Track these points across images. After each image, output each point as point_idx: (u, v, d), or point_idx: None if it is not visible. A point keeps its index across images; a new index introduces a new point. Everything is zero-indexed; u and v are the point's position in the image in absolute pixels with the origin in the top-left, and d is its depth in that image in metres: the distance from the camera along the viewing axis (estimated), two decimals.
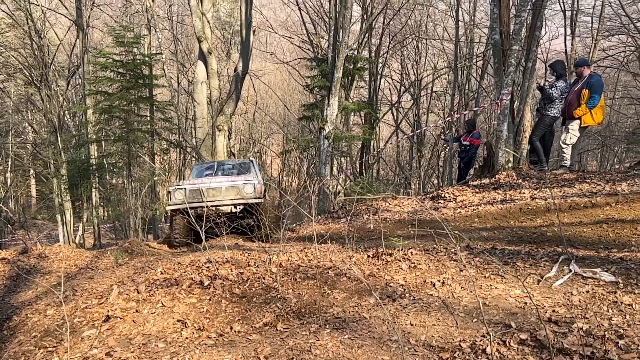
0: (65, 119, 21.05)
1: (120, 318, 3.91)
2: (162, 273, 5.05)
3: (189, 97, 23.46)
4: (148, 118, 18.13)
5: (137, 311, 4.01)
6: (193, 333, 3.54)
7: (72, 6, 19.50)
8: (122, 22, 20.35)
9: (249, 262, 4.97)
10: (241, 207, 8.20)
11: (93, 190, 18.74)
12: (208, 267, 4.95)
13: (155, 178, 18.68)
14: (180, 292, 4.22)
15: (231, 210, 8.18)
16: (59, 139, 18.03)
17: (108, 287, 5.12)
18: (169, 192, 8.12)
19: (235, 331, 3.47)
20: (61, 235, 18.99)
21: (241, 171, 9.66)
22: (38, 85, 18.27)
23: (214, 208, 7.86)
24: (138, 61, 16.74)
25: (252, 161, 10.21)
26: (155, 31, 19.58)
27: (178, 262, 5.55)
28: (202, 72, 15.26)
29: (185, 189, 8.01)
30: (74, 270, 6.83)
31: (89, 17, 19.22)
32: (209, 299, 4.02)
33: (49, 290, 5.37)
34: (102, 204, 21.16)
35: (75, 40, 20.41)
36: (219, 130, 14.94)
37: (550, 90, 7.98)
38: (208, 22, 15.11)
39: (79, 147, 19.94)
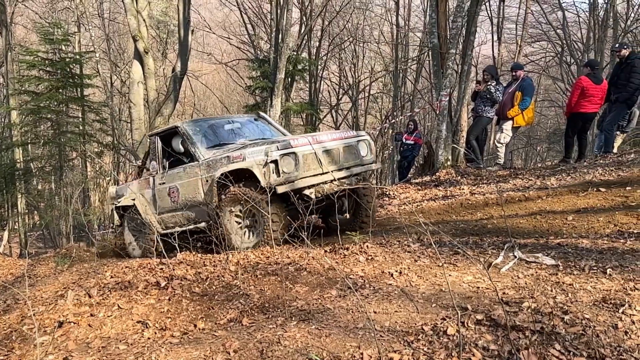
0: None
1: (75, 323, 3.78)
2: (112, 277, 4.91)
3: (122, 97, 22.59)
4: (80, 119, 17.31)
5: (91, 315, 3.88)
6: (155, 333, 3.49)
7: None
8: (49, 19, 19.29)
9: (204, 262, 4.94)
10: (360, 178, 5.74)
11: (19, 196, 17.62)
12: (162, 268, 4.87)
13: (89, 182, 17.84)
14: (136, 294, 4.13)
15: (352, 183, 5.60)
16: None
17: (53, 294, 4.90)
18: (272, 161, 5.01)
19: (199, 329, 3.46)
20: None
21: (261, 133, 6.60)
22: None
23: (336, 183, 5.41)
24: (68, 59, 15.95)
25: (263, 117, 7.13)
26: (87, 29, 18.74)
27: (126, 265, 5.42)
28: (139, 72, 14.77)
29: (295, 154, 5.08)
30: (10, 279, 6.45)
31: (12, 13, 18.07)
32: (169, 299, 3.97)
33: None
34: (28, 210, 19.94)
35: None
36: None
37: (498, 93, 8.36)
38: (144, 20, 14.65)
39: (2, 151, 18.68)
